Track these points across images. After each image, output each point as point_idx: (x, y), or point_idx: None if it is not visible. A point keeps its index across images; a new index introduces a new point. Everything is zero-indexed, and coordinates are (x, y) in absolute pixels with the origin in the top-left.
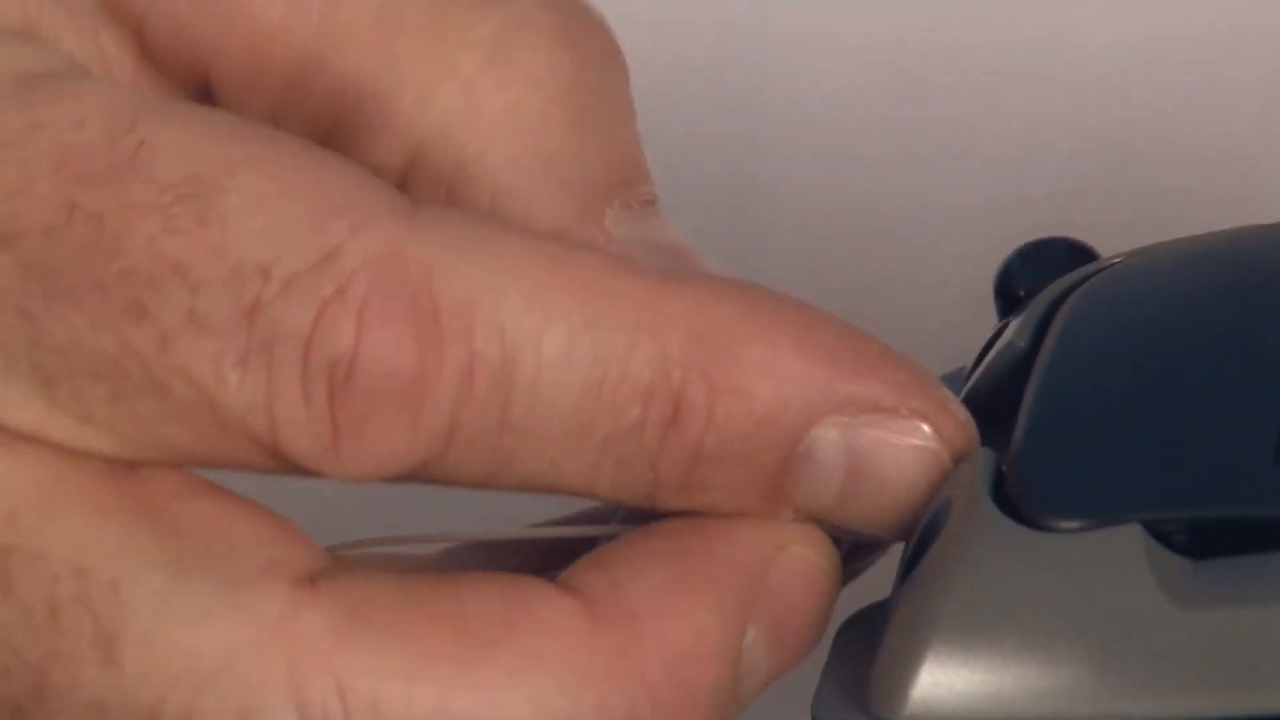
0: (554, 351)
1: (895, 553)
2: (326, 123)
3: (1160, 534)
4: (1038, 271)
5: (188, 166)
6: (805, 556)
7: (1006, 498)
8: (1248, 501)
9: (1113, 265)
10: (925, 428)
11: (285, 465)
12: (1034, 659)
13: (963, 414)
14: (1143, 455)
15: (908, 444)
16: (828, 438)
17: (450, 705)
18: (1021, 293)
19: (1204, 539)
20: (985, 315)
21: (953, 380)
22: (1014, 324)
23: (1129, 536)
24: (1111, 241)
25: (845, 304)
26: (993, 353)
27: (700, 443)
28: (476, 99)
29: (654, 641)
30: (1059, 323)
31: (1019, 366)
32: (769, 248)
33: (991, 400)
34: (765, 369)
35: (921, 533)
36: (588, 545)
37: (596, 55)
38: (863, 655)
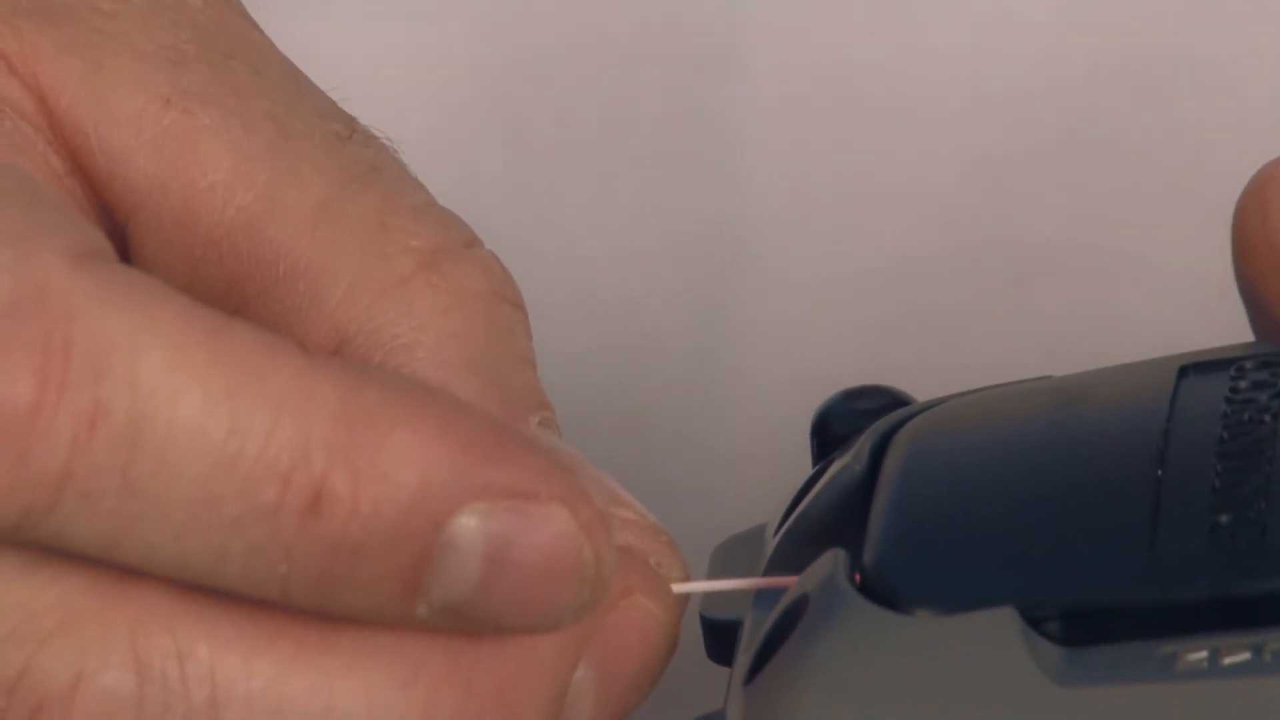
0: (187, 417)
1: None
2: (249, 288)
3: (1032, 620)
4: (858, 414)
5: None
6: (645, 607)
7: (869, 589)
8: (1124, 588)
9: (942, 402)
10: (565, 512)
11: None
12: None
13: (601, 503)
14: (1010, 547)
15: (547, 529)
16: (468, 525)
17: (286, 685)
18: (840, 434)
19: (1078, 625)
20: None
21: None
22: (844, 456)
23: (1003, 619)
24: (1089, 100)
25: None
26: (825, 479)
27: (342, 533)
28: (409, 297)
29: (489, 651)
30: (899, 446)
31: (860, 486)
32: (751, 118)
33: (834, 516)
34: (409, 455)
35: (770, 630)
36: None
37: (513, 297)
38: None
